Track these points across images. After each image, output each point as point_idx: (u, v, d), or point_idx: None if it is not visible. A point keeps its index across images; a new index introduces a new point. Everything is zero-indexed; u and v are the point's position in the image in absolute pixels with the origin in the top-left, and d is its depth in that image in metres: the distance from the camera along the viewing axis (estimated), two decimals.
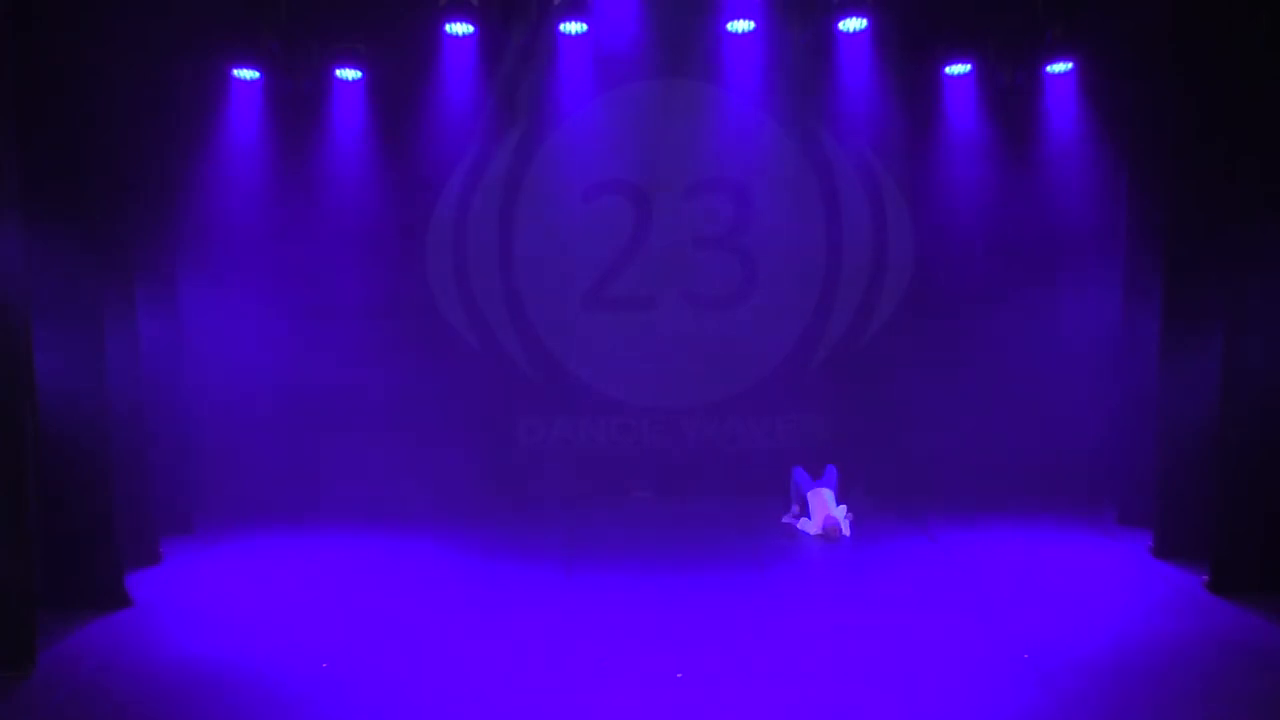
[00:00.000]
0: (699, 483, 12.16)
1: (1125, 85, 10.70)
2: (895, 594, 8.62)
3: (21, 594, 7.16)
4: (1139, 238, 10.59)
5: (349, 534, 10.67)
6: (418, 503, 11.68)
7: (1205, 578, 8.63)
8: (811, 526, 10.65)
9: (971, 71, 11.78)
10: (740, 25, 11.66)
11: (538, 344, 12.62)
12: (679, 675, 6.94)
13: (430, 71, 11.82)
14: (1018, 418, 12.10)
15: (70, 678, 7.06)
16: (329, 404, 12.15)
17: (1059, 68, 11.40)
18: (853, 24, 11.32)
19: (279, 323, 12.03)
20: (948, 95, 12.00)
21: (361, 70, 11.63)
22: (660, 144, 12.34)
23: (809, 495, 10.84)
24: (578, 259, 12.45)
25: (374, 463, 12.05)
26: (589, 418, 12.61)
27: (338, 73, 11.61)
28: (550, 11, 11.35)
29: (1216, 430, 8.68)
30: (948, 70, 11.81)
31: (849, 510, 10.89)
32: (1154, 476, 9.72)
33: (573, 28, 11.45)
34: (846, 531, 10.58)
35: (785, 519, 11.01)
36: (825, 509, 10.61)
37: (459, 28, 11.33)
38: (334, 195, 12.12)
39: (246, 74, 11.27)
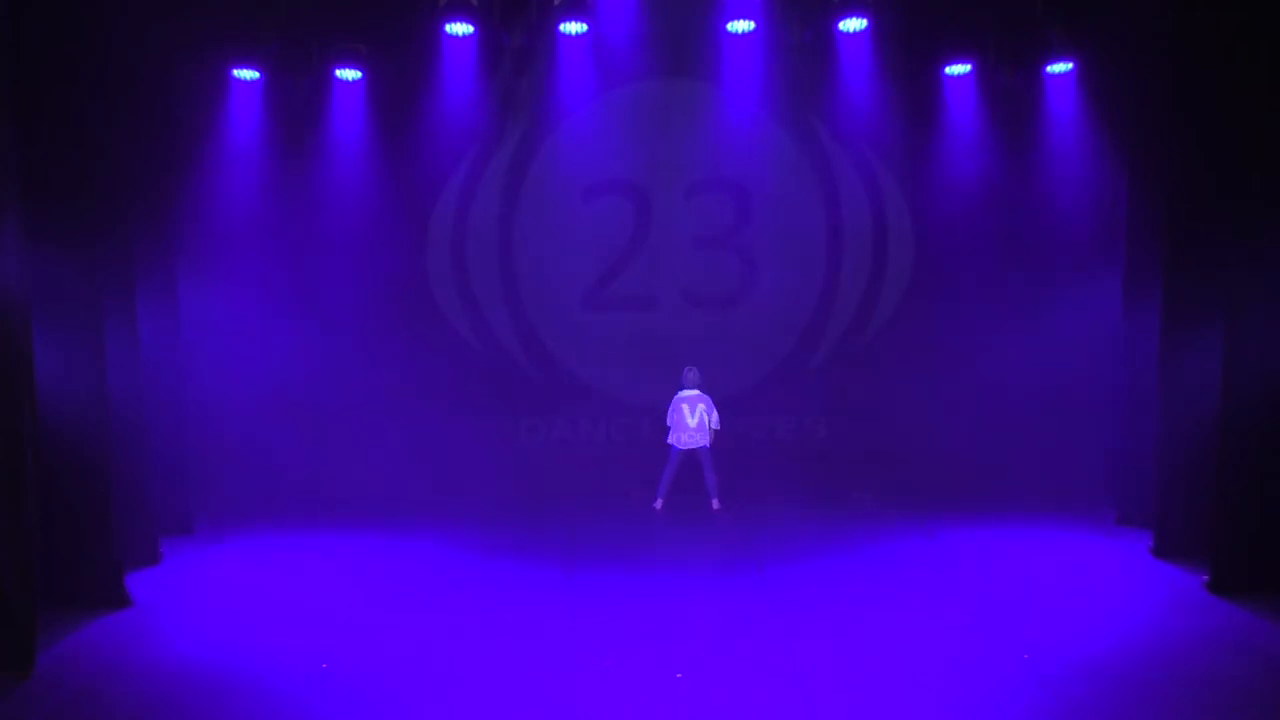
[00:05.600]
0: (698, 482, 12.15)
1: (1125, 85, 10.71)
2: (895, 594, 8.62)
3: (21, 594, 7.17)
4: (1139, 237, 10.59)
5: (348, 534, 10.66)
6: (417, 502, 11.69)
7: (1205, 578, 8.64)
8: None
9: (971, 71, 11.80)
10: (740, 25, 11.68)
11: (538, 344, 12.64)
12: (679, 675, 6.94)
13: (430, 71, 11.84)
14: (1017, 418, 12.12)
15: (70, 678, 7.06)
16: (329, 404, 12.17)
17: (1059, 68, 11.41)
18: (853, 24, 11.34)
19: (279, 323, 12.05)
20: (948, 95, 12.02)
21: (361, 70, 11.64)
22: (660, 144, 12.37)
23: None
24: (578, 259, 12.47)
25: (373, 463, 12.07)
26: (589, 418, 12.63)
27: (338, 73, 11.62)
28: (550, 11, 11.36)
29: (1216, 430, 8.68)
30: (948, 70, 11.83)
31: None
32: (1154, 476, 9.72)
33: (573, 28, 11.46)
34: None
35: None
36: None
37: (459, 28, 11.35)
38: (334, 196, 12.15)
39: (246, 74, 11.28)
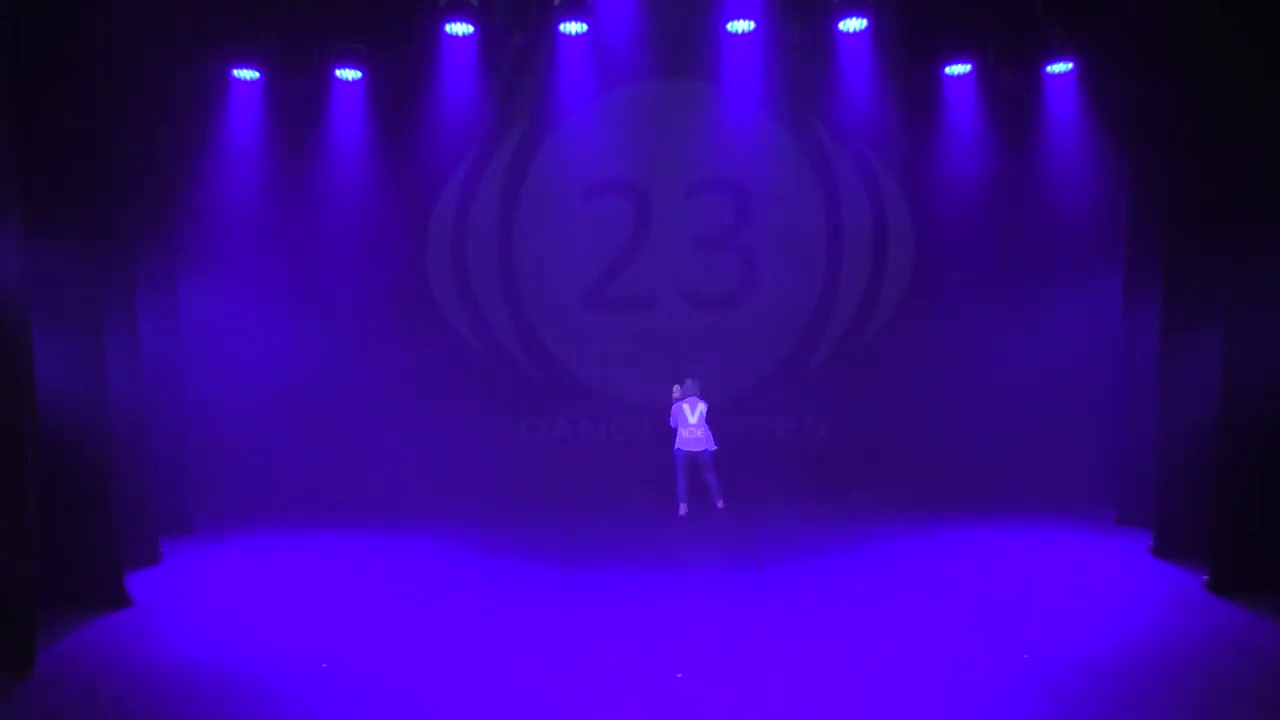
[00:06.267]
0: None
1: (1125, 85, 10.70)
2: (895, 594, 8.62)
3: (21, 594, 7.17)
4: (1139, 237, 10.59)
5: (348, 534, 10.67)
6: (417, 502, 11.69)
7: (1205, 578, 8.64)
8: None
9: (971, 71, 11.79)
10: (740, 25, 11.67)
11: (538, 344, 12.63)
12: (679, 675, 6.94)
13: (430, 71, 11.83)
14: (1017, 418, 12.10)
15: (70, 678, 7.06)
16: (329, 404, 12.16)
17: (1059, 68, 11.41)
18: (853, 24, 11.34)
19: (279, 323, 12.04)
20: (948, 95, 12.01)
21: (361, 70, 11.64)
22: (660, 144, 12.36)
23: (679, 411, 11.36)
24: (578, 259, 12.47)
25: (373, 463, 12.07)
26: (589, 418, 12.63)
27: (338, 73, 11.61)
28: (550, 11, 11.35)
29: (1216, 430, 8.67)
30: (948, 70, 11.83)
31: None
32: (1154, 476, 9.72)
33: (573, 28, 11.46)
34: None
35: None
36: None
37: (459, 28, 11.34)
38: (334, 196, 12.14)
39: (246, 74, 11.27)
